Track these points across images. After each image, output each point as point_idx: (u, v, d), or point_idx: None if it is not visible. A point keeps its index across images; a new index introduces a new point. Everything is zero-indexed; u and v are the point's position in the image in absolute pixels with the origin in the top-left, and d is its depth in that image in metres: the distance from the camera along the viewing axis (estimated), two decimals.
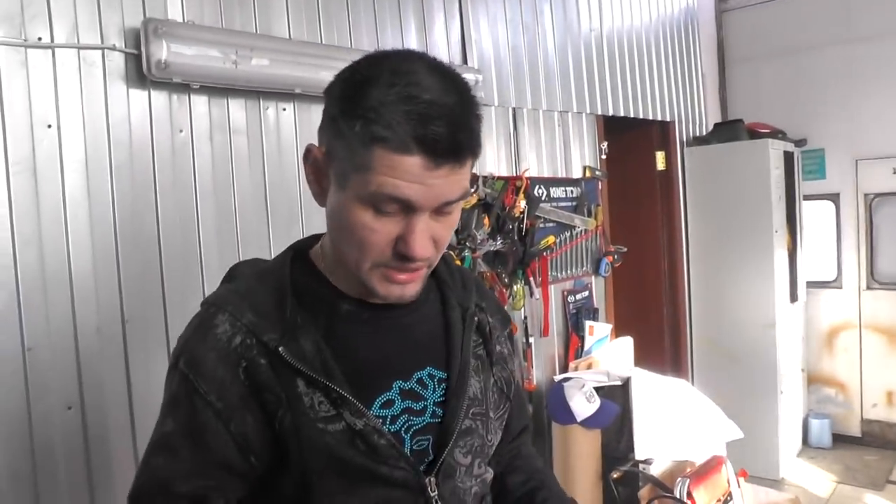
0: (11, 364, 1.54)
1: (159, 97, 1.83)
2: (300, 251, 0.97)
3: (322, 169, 0.88)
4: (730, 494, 2.85)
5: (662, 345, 3.87)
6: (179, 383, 0.88)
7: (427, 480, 0.91)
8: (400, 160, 0.79)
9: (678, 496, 2.64)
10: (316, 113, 2.13)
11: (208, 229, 1.92)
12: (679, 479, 2.69)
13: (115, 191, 1.73)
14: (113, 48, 1.71)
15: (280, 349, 0.86)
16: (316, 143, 0.89)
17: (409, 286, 0.89)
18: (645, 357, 3.50)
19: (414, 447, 0.92)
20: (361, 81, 0.82)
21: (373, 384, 0.91)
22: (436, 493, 0.91)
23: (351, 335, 0.92)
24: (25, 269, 1.56)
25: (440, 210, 0.85)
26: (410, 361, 0.95)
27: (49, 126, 1.61)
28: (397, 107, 0.79)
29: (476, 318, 1.02)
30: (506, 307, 2.81)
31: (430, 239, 0.86)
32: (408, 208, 0.82)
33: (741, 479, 3.07)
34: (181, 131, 1.87)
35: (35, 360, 1.57)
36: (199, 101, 1.91)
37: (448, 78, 0.83)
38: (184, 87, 1.86)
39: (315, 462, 0.86)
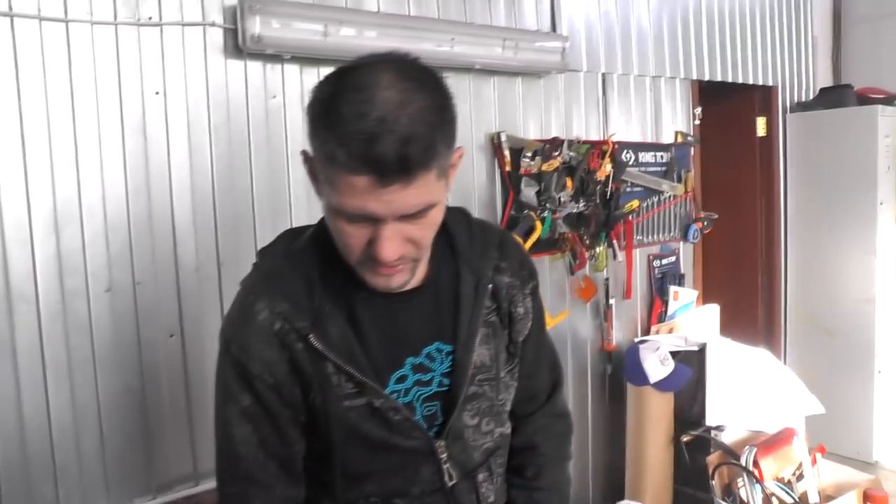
0: (124, 295, 1.83)
1: (254, 67, 2.04)
2: (325, 233, 1.01)
3: (313, 173, 0.94)
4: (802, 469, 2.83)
5: (756, 315, 3.79)
6: (235, 367, 0.99)
7: (437, 445, 1.04)
8: (352, 179, 0.83)
9: (744, 464, 2.67)
10: None
11: (298, 185, 2.12)
12: (747, 447, 2.71)
13: (214, 149, 1.97)
14: (213, 24, 1.94)
15: (310, 337, 0.97)
16: None
17: (393, 278, 0.95)
18: (736, 326, 3.46)
19: (424, 413, 1.05)
20: (325, 98, 0.86)
21: (389, 363, 1.02)
22: (445, 454, 1.05)
23: (369, 320, 1.01)
24: (136, 215, 1.84)
25: (410, 217, 0.88)
26: (420, 338, 1.04)
27: (157, 93, 1.86)
28: (349, 125, 0.81)
29: (490, 285, 1.08)
30: (586, 269, 2.90)
31: (402, 241, 0.90)
32: (371, 218, 0.87)
33: (818, 455, 3.03)
34: (274, 97, 2.09)
35: (143, 293, 1.86)
36: (291, 70, 2.11)
37: (413, 86, 0.84)
38: (277, 58, 2.06)
39: (339, 434, 1.00)
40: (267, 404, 1.00)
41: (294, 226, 1.13)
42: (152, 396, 1.88)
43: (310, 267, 1.01)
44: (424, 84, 0.86)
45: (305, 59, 2.10)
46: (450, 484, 1.06)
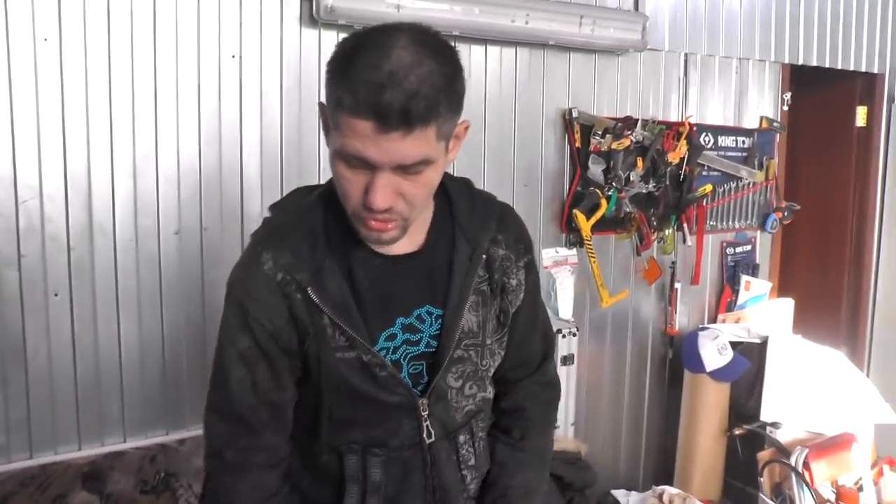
0: (192, 238, 2.02)
1: (328, 36, 2.15)
2: (333, 193, 1.06)
3: (326, 122, 1.00)
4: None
5: (839, 314, 3.60)
6: (238, 311, 1.07)
7: (420, 402, 1.11)
8: (356, 123, 0.89)
9: (793, 464, 2.60)
10: (475, 53, 2.35)
11: None
12: (798, 447, 2.64)
13: (284, 110, 2.12)
14: None
15: (309, 289, 1.03)
16: None
17: (384, 233, 1.01)
18: (814, 324, 3.33)
19: (410, 371, 1.11)
20: (345, 52, 0.92)
21: (380, 320, 1.08)
22: (426, 411, 1.11)
23: (365, 279, 1.07)
24: (207, 165, 2.01)
25: (406, 170, 0.94)
26: (411, 300, 1.10)
27: (233, 56, 2.02)
28: (362, 75, 0.88)
29: (484, 256, 1.14)
30: (653, 250, 2.89)
31: (394, 194, 0.95)
32: (369, 165, 0.93)
33: (886, 467, 2.91)
34: None
35: (209, 237, 2.04)
36: None
37: (427, 52, 0.90)
38: (350, 28, 2.14)
39: (328, 382, 1.07)
40: (264, 348, 1.07)
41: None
42: (211, 332, 2.06)
43: (315, 223, 1.08)
44: (439, 53, 0.92)
45: None
46: (428, 441, 1.14)
